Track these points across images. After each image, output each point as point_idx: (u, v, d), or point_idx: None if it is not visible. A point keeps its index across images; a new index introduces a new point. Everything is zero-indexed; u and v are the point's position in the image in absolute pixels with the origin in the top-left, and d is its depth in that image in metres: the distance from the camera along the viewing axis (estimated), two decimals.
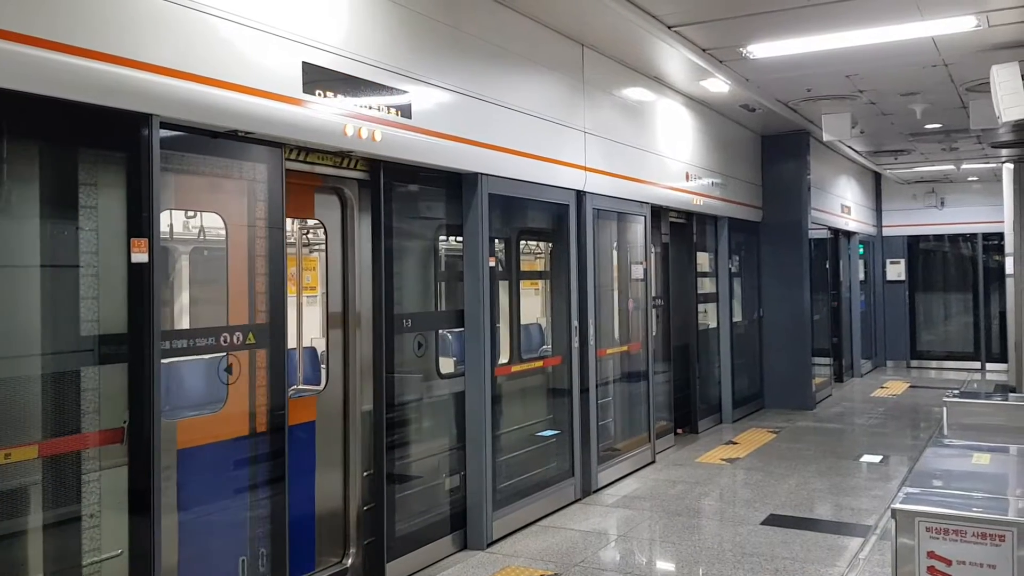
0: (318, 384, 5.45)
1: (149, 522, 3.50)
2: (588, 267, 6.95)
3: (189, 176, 4.00)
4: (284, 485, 4.29)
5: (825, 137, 9.80)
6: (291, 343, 4.82)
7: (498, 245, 6.67)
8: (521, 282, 7.31)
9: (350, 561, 4.89)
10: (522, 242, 7.43)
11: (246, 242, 4.22)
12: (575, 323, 6.83)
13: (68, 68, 3.18)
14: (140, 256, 3.46)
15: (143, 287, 3.49)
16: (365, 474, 5.02)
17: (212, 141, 4.02)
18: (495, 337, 5.92)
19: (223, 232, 4.23)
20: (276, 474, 4.29)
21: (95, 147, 3.53)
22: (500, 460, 6.00)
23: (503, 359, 6.61)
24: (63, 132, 3.39)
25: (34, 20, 3.08)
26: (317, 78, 4.28)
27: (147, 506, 3.49)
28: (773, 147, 11.27)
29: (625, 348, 8.10)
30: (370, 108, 4.62)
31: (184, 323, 4.47)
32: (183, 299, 4.92)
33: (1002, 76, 6.44)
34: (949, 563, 2.95)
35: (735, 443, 9.04)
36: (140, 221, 3.49)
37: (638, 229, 8.04)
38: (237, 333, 4.12)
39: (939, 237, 16.30)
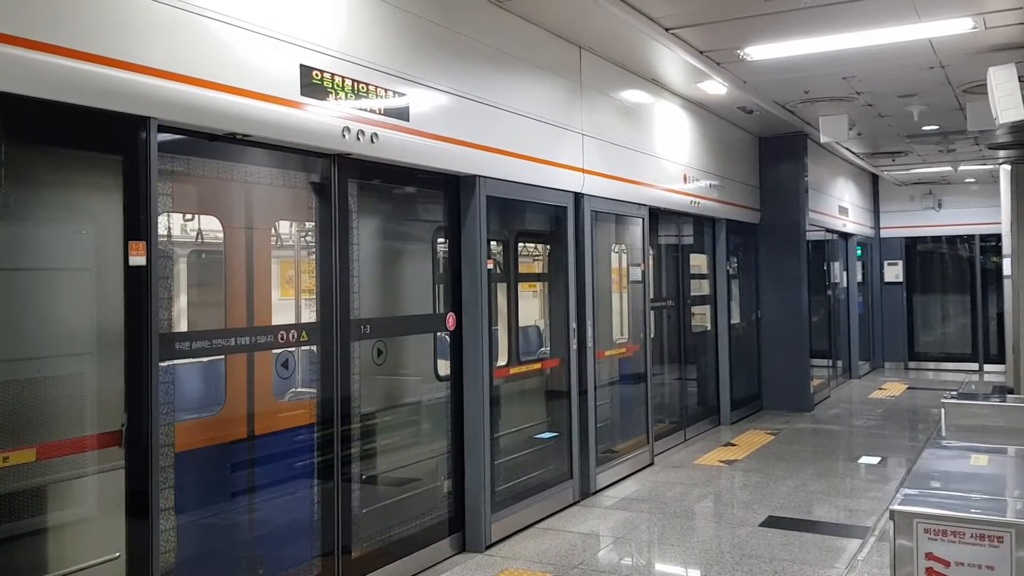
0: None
1: (147, 523, 3.50)
2: (586, 269, 6.95)
3: (269, 188, 4.47)
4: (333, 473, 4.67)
5: (822, 139, 9.81)
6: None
7: (496, 247, 6.68)
8: (519, 284, 7.32)
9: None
10: (520, 244, 7.43)
11: (306, 247, 4.65)
12: (573, 325, 6.83)
13: (65, 71, 3.17)
14: (138, 259, 3.46)
15: (141, 289, 3.49)
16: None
17: (281, 155, 4.34)
18: (492, 339, 5.92)
19: (281, 237, 4.71)
20: (329, 463, 4.66)
21: (93, 150, 3.54)
22: (499, 462, 6.00)
23: (502, 361, 6.62)
24: (62, 135, 3.38)
25: (31, 23, 3.07)
26: (315, 81, 4.28)
27: (145, 507, 3.49)
28: (771, 149, 11.28)
29: (623, 350, 8.10)
30: (368, 111, 4.62)
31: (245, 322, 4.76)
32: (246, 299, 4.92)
33: (999, 78, 6.45)
34: (947, 564, 2.95)
35: (734, 445, 9.04)
36: (138, 224, 3.49)
37: (636, 231, 8.05)
38: (292, 331, 4.43)
39: (936, 239, 16.31)
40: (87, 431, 3.51)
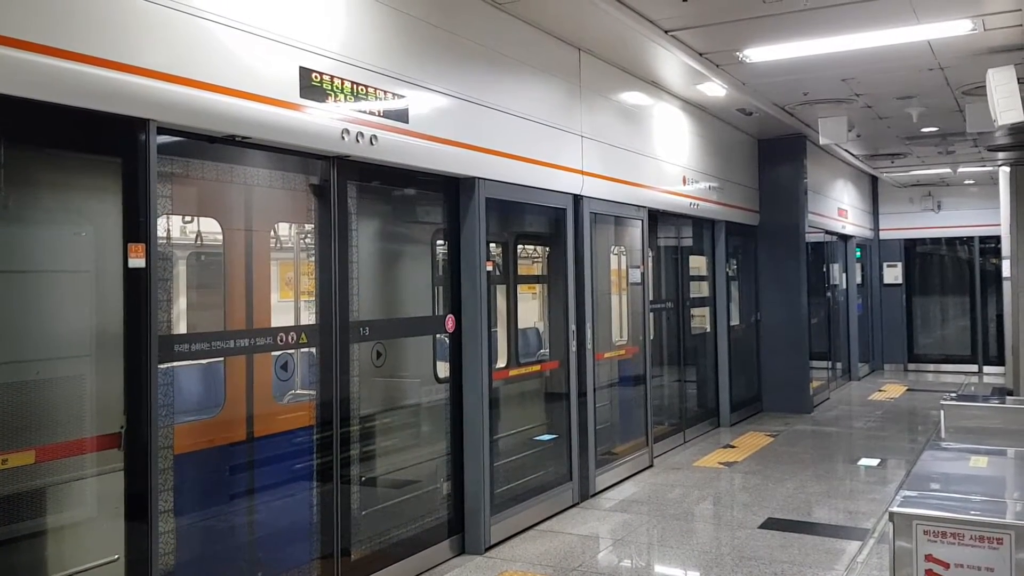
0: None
1: (146, 526, 3.50)
2: (585, 271, 6.95)
3: (268, 190, 4.58)
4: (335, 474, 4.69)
5: (822, 141, 9.81)
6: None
7: (495, 249, 6.69)
8: (519, 286, 7.32)
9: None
10: (519, 246, 7.44)
11: (305, 249, 4.68)
12: (573, 327, 6.83)
13: (64, 73, 3.17)
14: (137, 261, 3.46)
15: (140, 292, 3.49)
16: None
17: (281, 157, 4.35)
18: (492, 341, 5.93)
19: (280, 239, 4.79)
20: (328, 465, 4.65)
21: (92, 152, 3.54)
22: (498, 464, 5.99)
23: (501, 363, 6.62)
24: (61, 137, 3.38)
25: (30, 24, 3.07)
26: (314, 83, 4.28)
27: (144, 510, 3.49)
28: (770, 151, 11.28)
29: (623, 352, 8.10)
30: (367, 113, 4.62)
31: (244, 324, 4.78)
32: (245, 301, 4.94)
33: (998, 79, 6.45)
34: (947, 566, 2.95)
35: (733, 447, 9.04)
36: (137, 226, 3.49)
37: (635, 233, 8.05)
38: (291, 333, 4.44)
39: (936, 240, 16.32)
40: (86, 433, 3.51)
